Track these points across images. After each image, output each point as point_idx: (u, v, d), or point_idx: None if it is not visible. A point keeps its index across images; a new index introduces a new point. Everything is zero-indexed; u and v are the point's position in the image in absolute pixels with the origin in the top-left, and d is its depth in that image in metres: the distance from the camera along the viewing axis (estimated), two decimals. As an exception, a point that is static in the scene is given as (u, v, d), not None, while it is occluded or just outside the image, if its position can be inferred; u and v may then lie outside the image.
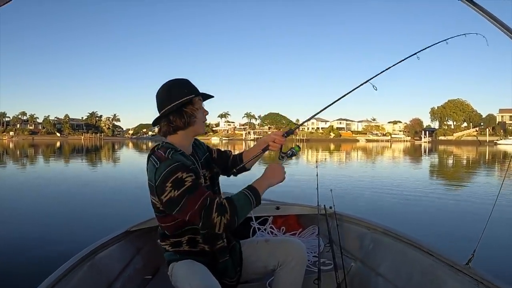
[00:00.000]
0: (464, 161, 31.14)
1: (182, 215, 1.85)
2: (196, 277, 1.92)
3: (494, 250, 5.11)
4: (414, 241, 2.67)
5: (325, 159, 31.23)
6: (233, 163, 2.38)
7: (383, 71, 2.36)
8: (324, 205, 3.59)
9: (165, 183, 1.83)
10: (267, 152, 2.29)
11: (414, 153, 46.44)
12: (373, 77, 2.31)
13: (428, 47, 2.50)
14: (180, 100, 2.00)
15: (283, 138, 2.19)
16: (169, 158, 1.90)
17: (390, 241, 2.90)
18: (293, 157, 2.24)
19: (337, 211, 3.55)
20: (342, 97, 2.32)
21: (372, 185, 13.26)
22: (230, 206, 1.84)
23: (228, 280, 2.17)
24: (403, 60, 2.43)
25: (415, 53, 2.42)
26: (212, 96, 2.18)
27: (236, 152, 2.47)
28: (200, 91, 2.11)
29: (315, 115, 2.34)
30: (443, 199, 10.79)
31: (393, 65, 2.41)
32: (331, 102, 2.34)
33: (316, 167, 3.81)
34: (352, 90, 2.31)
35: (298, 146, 2.23)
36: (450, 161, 31.50)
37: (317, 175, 3.69)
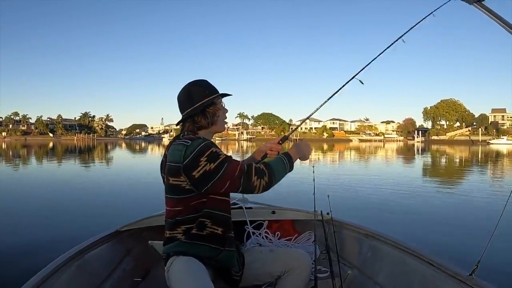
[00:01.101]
0: (465, 163, 30.65)
1: (218, 185, 1.91)
2: (192, 278, 1.88)
3: (500, 261, 4.94)
4: (414, 250, 2.56)
5: (319, 159, 31.35)
6: None
7: (369, 63, 2.37)
8: (321, 211, 3.50)
9: (199, 158, 1.88)
10: None
11: (409, 153, 46.48)
12: (360, 71, 2.35)
13: (413, 26, 2.38)
14: (202, 101, 2.07)
15: (279, 146, 2.31)
16: (201, 138, 1.99)
17: (389, 249, 2.80)
18: None
19: (334, 217, 3.46)
20: (330, 98, 2.38)
21: (370, 190, 13.09)
22: (267, 170, 1.98)
23: (234, 273, 2.12)
24: (388, 46, 2.40)
25: (400, 37, 2.37)
26: (230, 94, 2.24)
27: None
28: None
29: (305, 119, 2.49)
30: (445, 205, 10.50)
31: (379, 54, 2.40)
32: (320, 105, 2.41)
33: (313, 172, 3.72)
34: (340, 89, 2.36)
35: None
36: (450, 164, 31.15)
37: (313, 180, 3.61)
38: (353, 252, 3.15)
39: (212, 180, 1.89)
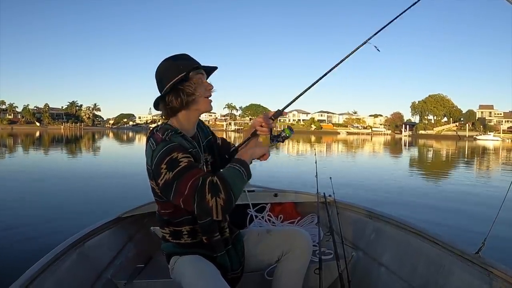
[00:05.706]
0: (456, 156, 31.05)
1: (177, 202, 1.65)
2: (205, 278, 1.80)
3: (507, 239, 4.99)
4: (418, 230, 2.55)
5: (306, 150, 31.35)
6: (230, 154, 2.14)
7: (385, 26, 2.04)
8: (324, 193, 3.53)
9: (160, 165, 1.67)
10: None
11: (397, 146, 46.67)
12: (374, 34, 2.00)
13: None
14: (174, 80, 1.81)
15: (270, 121, 1.93)
16: (166, 140, 1.74)
17: (393, 230, 2.80)
18: (286, 140, 2.00)
19: (337, 199, 3.48)
20: (338, 63, 1.97)
21: (371, 175, 13.09)
22: (222, 184, 1.56)
23: (230, 274, 2.03)
24: (405, 11, 2.05)
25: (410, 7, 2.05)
26: (215, 68, 2.00)
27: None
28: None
29: (305, 91, 1.97)
30: (449, 187, 10.50)
31: (395, 18, 2.05)
32: (325, 73, 1.98)
33: (315, 154, 3.76)
34: (350, 54, 1.98)
35: (290, 128, 1.99)
36: (443, 155, 31.48)
37: (315, 162, 3.64)
38: (357, 234, 3.16)
39: (170, 193, 1.65)
